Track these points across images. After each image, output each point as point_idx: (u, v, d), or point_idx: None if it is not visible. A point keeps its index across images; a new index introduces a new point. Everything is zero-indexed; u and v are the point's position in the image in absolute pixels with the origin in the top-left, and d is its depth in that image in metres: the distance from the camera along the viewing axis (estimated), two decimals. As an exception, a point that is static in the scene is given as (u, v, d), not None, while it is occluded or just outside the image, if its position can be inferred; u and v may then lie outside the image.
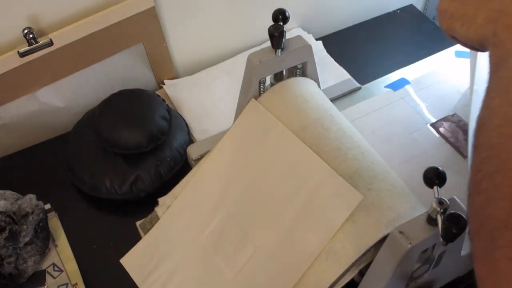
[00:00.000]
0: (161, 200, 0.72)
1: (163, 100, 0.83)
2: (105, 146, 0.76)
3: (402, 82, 0.87)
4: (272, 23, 0.61)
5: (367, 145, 0.64)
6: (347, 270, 0.55)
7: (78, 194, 0.79)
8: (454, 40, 0.47)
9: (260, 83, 0.66)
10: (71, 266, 0.70)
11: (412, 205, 0.57)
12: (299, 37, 0.65)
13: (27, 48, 0.75)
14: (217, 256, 0.63)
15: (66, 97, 0.86)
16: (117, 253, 0.72)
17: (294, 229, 0.59)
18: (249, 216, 0.63)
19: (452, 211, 0.46)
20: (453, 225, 0.45)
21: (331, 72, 0.94)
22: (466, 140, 0.78)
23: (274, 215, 0.61)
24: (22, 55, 0.75)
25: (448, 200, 0.48)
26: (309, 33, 1.01)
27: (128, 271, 0.68)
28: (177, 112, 0.87)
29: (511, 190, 0.33)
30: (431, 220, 0.49)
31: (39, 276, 0.69)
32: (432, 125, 0.81)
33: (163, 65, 0.92)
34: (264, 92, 0.67)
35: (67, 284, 0.68)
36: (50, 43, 0.76)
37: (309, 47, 0.65)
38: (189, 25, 0.91)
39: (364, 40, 1.03)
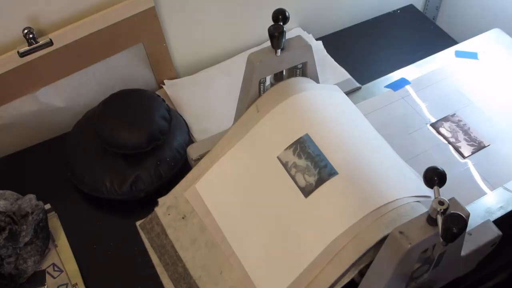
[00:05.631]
0: (161, 200, 0.72)
1: (163, 100, 0.82)
2: (105, 146, 0.76)
3: (402, 82, 0.87)
4: (272, 23, 0.61)
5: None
6: (347, 270, 0.55)
7: (78, 194, 0.79)
8: None
9: (260, 83, 0.66)
10: (71, 266, 0.70)
11: (413, 205, 0.57)
12: (299, 37, 0.65)
13: (27, 48, 0.75)
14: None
15: (66, 97, 0.86)
16: (117, 253, 0.72)
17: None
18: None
19: (452, 211, 0.46)
20: (453, 225, 0.45)
21: (331, 72, 0.94)
22: (466, 140, 0.78)
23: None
24: (22, 55, 0.75)
25: (448, 200, 0.48)
26: (309, 33, 1.01)
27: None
28: (177, 112, 0.87)
29: None
30: (431, 220, 0.49)
31: (39, 276, 0.69)
32: (432, 125, 0.81)
33: (163, 65, 0.92)
34: (264, 92, 0.67)
35: (67, 284, 0.68)
36: (50, 43, 0.76)
37: (309, 47, 0.65)
38: (189, 25, 0.91)
39: (364, 40, 1.03)
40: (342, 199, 0.57)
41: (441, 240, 0.46)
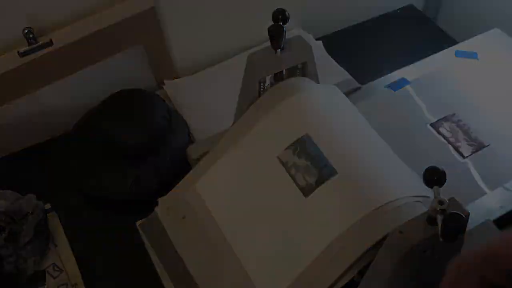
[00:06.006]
0: (161, 200, 0.72)
1: (163, 100, 0.83)
2: (105, 146, 0.76)
3: (402, 82, 0.87)
4: (272, 23, 0.61)
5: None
6: (347, 270, 0.55)
7: (78, 194, 0.79)
8: None
9: (260, 83, 0.66)
10: (71, 266, 0.70)
11: (413, 205, 0.57)
12: (299, 37, 0.65)
13: (27, 48, 0.75)
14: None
15: (66, 97, 0.86)
16: (117, 253, 0.72)
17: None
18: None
19: (452, 211, 0.46)
20: (453, 225, 0.45)
21: (331, 72, 0.93)
22: (466, 140, 0.78)
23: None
24: (22, 55, 0.75)
25: (448, 200, 0.48)
26: (309, 33, 1.01)
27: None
28: (177, 112, 0.87)
29: None
30: (431, 220, 0.49)
31: (39, 276, 0.69)
32: (432, 125, 0.81)
33: (163, 65, 0.92)
34: (264, 92, 0.67)
35: (67, 284, 0.68)
36: (50, 43, 0.76)
37: (309, 47, 0.65)
38: (189, 25, 0.91)
39: (364, 40, 1.03)
40: (342, 198, 0.57)
41: (441, 239, 0.46)
